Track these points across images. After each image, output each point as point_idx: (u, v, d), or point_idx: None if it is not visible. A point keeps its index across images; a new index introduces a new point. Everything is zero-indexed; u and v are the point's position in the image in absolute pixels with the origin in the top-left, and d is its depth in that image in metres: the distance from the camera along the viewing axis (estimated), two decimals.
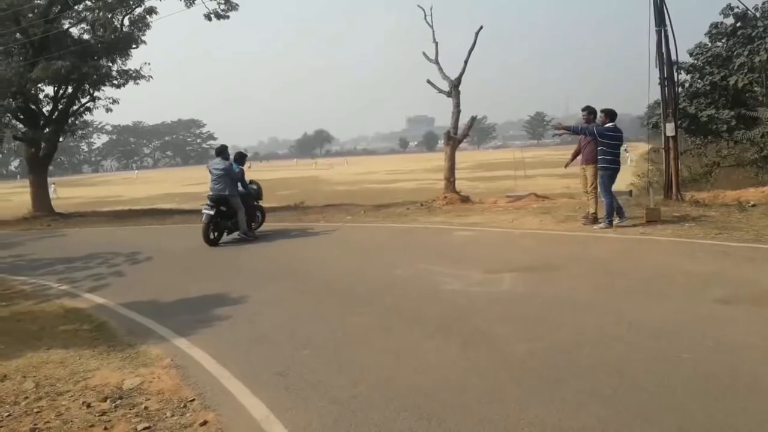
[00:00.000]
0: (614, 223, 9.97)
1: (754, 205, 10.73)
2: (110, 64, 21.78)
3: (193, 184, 64.44)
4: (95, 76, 20.93)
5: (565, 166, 11.72)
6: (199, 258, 10.71)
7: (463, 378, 4.28)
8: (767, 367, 4.07)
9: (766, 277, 6.42)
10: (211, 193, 11.62)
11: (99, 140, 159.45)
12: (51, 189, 52.91)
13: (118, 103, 23.13)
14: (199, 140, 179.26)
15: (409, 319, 5.86)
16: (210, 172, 11.80)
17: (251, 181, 12.84)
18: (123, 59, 21.96)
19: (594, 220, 10.23)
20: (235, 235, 11.96)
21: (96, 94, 22.40)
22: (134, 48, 21.91)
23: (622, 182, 28.72)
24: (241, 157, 12.50)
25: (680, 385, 3.86)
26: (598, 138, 9.77)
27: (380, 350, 5.02)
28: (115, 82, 21.87)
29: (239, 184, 12.01)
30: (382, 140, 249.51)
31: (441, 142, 19.86)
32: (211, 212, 11.39)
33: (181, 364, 5.10)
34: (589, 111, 10.33)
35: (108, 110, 23.07)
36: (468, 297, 6.46)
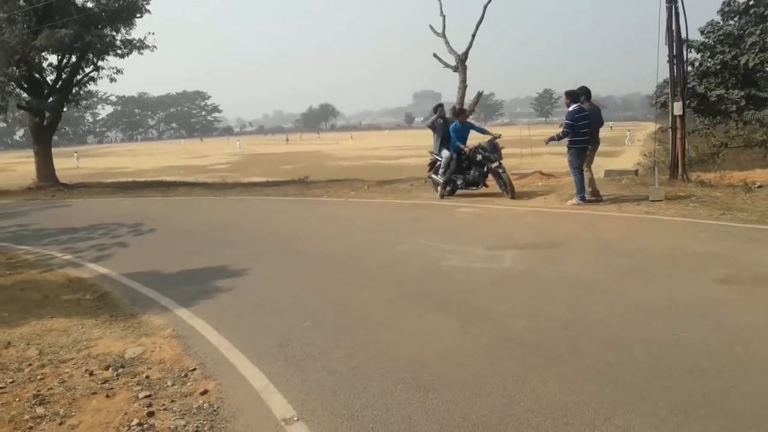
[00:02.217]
0: (570, 202, 10.39)
1: (760, 186, 10.66)
2: (114, 33, 21.60)
3: (198, 156, 64.55)
4: (99, 45, 20.77)
5: None
6: (202, 229, 10.74)
7: (461, 352, 4.31)
8: (764, 347, 4.08)
9: (767, 258, 6.41)
10: None
11: (104, 111, 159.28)
12: (75, 157, 53.34)
13: (122, 73, 23.02)
14: (204, 112, 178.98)
15: (410, 294, 5.89)
16: None
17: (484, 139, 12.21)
18: (127, 28, 21.77)
19: (596, 195, 10.52)
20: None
21: (100, 63, 22.29)
22: (138, 17, 21.71)
23: (629, 162, 28.64)
24: (458, 113, 12.86)
25: (677, 363, 3.88)
26: (569, 122, 10.18)
27: (381, 324, 5.05)
28: (119, 51, 21.70)
29: (451, 138, 12.10)
30: (388, 115, 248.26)
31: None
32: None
33: (183, 334, 5.15)
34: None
35: (112, 80, 22.98)
36: (469, 273, 6.47)
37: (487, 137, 12.04)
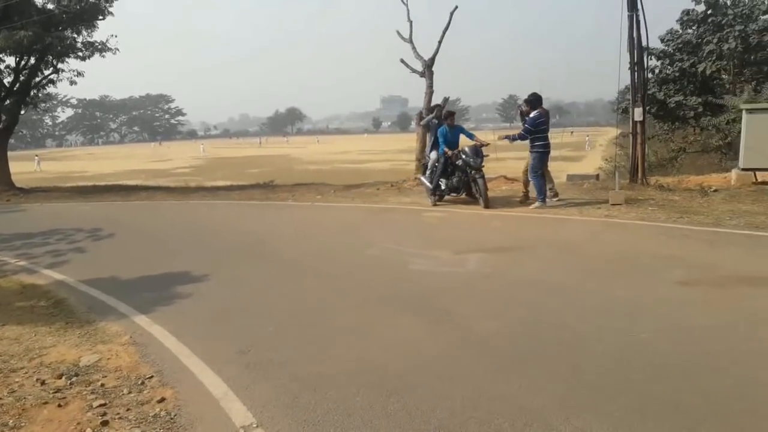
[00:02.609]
0: (533, 206, 10.55)
1: (715, 191, 10.95)
2: (75, 36, 21.08)
3: (160, 160, 63.53)
4: (59, 48, 20.20)
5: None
6: (163, 234, 10.54)
7: (426, 356, 4.29)
8: (722, 346, 4.17)
9: (723, 260, 6.57)
10: None
11: (63, 114, 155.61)
12: (35, 161, 51.47)
13: (83, 75, 22.41)
14: (167, 116, 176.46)
15: (376, 298, 5.85)
16: None
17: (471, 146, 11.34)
18: (88, 30, 21.28)
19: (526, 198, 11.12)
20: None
21: (60, 66, 21.70)
22: (101, 19, 21.23)
23: (590, 166, 29.19)
24: (447, 116, 11.94)
25: (638, 364, 3.93)
26: (529, 127, 10.51)
27: (346, 329, 5.00)
28: (80, 54, 21.17)
29: (438, 141, 11.61)
30: (356, 119, 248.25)
31: (414, 123, 19.70)
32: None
33: (141, 341, 5.01)
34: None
35: (72, 83, 22.31)
36: (436, 277, 6.47)
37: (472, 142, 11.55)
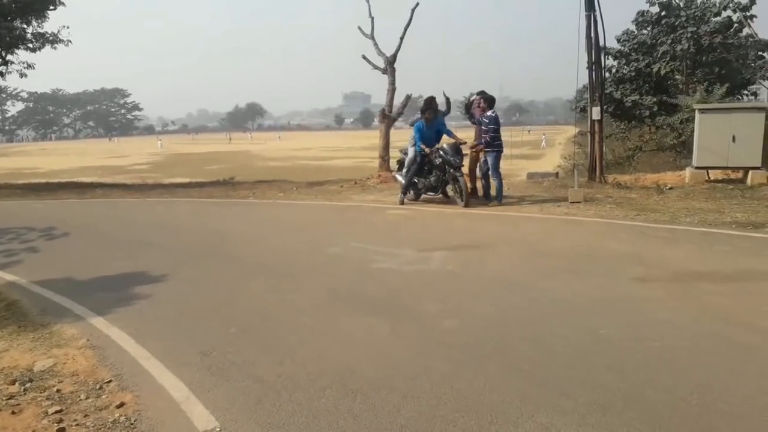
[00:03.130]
0: (492, 204, 10.81)
1: (671, 188, 11.28)
2: (25, 26, 20.40)
3: (117, 156, 62.06)
4: (8, 39, 19.56)
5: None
6: (120, 233, 10.28)
7: (391, 355, 4.29)
8: (679, 341, 4.28)
9: (680, 257, 6.76)
10: None
11: (14, 108, 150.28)
12: None
13: (34, 68, 21.71)
14: (123, 110, 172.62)
15: (340, 297, 5.82)
16: None
17: (451, 144, 10.98)
18: (39, 21, 20.61)
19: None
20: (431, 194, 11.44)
21: (9, 57, 20.97)
22: (52, 9, 20.58)
23: (550, 164, 29.70)
24: (424, 110, 11.20)
25: (597, 360, 4.00)
26: (494, 127, 10.67)
27: (310, 329, 4.95)
28: (30, 45, 20.52)
29: (417, 138, 11.09)
30: (318, 116, 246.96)
31: (377, 120, 19.64)
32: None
33: (98, 344, 4.86)
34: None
35: (22, 75, 21.59)
36: (400, 275, 6.47)
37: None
